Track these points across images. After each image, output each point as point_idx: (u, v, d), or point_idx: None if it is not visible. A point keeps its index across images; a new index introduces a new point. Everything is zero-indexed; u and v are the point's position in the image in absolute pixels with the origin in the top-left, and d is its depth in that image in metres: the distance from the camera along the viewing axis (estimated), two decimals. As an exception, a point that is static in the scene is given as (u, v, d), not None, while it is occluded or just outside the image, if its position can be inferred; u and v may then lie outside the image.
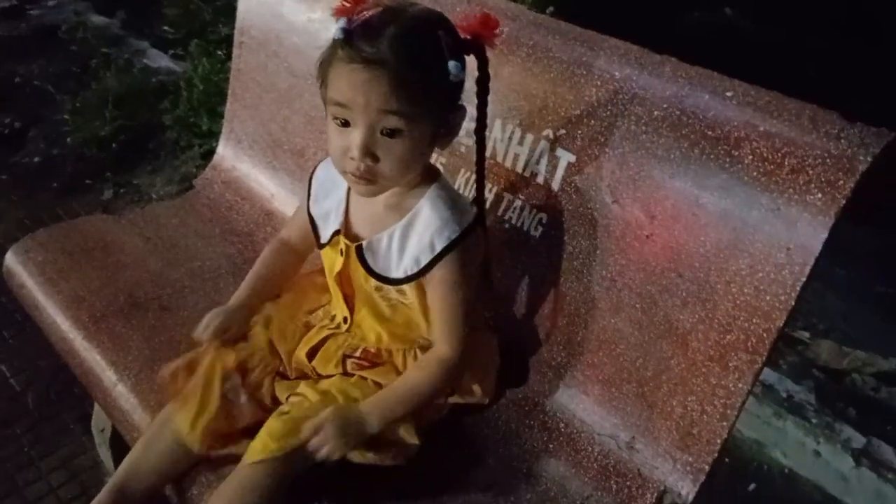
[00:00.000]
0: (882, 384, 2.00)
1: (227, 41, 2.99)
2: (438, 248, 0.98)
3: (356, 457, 0.98)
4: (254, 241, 1.56)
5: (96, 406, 1.52)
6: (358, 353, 1.07)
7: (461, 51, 0.94)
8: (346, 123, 0.91)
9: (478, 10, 0.98)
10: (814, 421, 1.71)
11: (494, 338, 1.17)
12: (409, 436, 1.01)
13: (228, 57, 2.88)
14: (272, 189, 1.61)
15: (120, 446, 1.50)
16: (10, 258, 1.45)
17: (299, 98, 1.55)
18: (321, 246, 1.11)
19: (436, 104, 0.93)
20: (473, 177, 1.12)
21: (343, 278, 1.08)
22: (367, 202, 1.04)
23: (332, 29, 0.91)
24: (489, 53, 0.99)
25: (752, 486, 1.68)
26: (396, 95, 0.87)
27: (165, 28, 3.48)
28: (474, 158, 1.10)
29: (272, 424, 0.97)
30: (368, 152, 0.90)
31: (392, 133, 0.90)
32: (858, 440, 1.65)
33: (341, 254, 1.06)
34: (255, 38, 1.63)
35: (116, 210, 2.34)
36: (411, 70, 0.87)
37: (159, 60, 3.24)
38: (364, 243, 1.03)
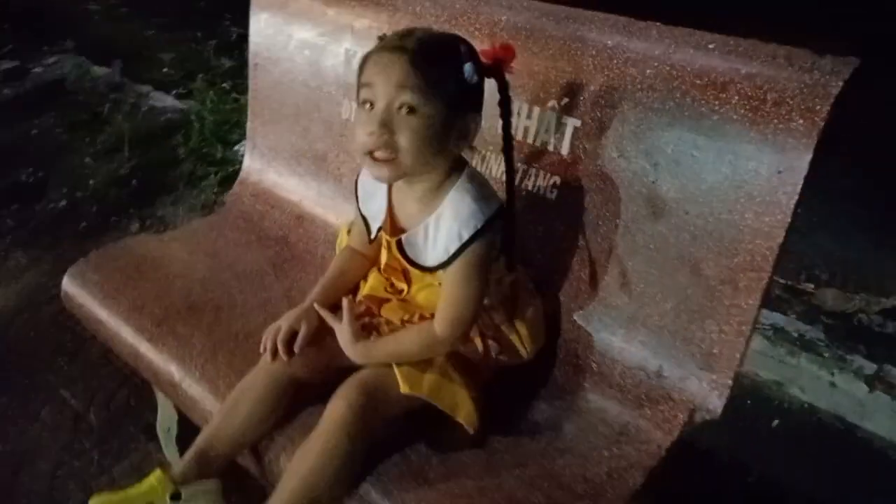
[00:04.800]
0: (888, 320, 2.12)
1: (230, 73, 3.16)
2: (465, 237, 1.07)
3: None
4: (289, 243, 1.69)
5: (160, 409, 1.63)
6: (416, 319, 1.19)
7: (479, 64, 1.05)
8: (371, 105, 1.03)
9: (499, 41, 1.11)
10: (826, 355, 1.82)
11: (539, 303, 1.26)
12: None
13: (233, 88, 3.05)
14: (300, 194, 1.73)
15: (186, 444, 1.60)
16: (67, 282, 1.57)
17: (316, 108, 1.68)
18: (371, 241, 1.23)
19: (448, 94, 1.03)
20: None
21: (392, 266, 1.21)
22: (405, 199, 1.16)
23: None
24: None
25: (775, 422, 1.79)
26: (412, 73, 1.00)
27: (165, 70, 3.65)
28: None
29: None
30: (385, 124, 1.01)
31: (409, 109, 1.01)
32: (870, 367, 1.76)
33: (387, 247, 1.19)
34: (268, 58, 1.76)
35: (145, 241, 2.46)
36: (427, 56, 1.01)
37: (164, 100, 3.39)
38: (403, 238, 1.15)
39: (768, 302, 2.11)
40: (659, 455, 1.16)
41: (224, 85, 2.94)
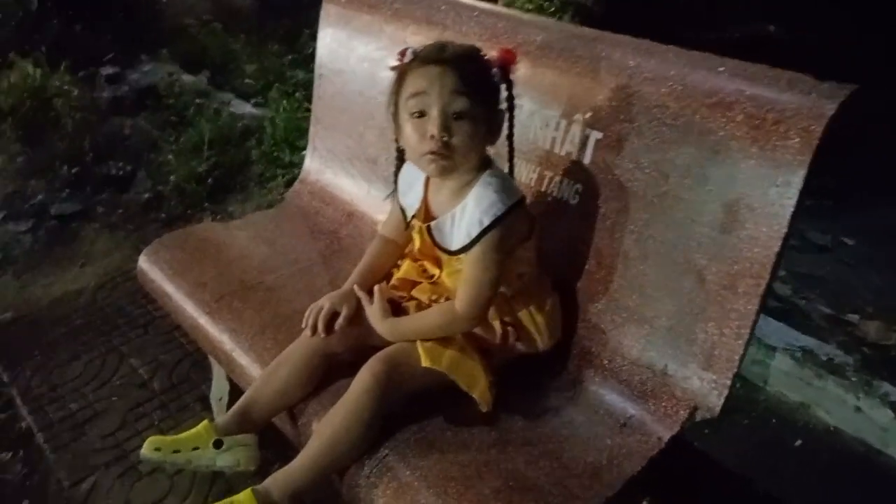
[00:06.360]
0: (927, 352, 2.10)
1: (302, 85, 3.39)
2: (486, 223, 1.20)
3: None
4: (338, 237, 1.84)
5: (214, 379, 1.81)
6: (442, 299, 1.31)
7: (500, 69, 1.23)
8: (422, 114, 1.17)
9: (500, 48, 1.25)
10: (853, 379, 1.83)
11: (557, 298, 1.37)
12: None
13: (305, 98, 3.27)
14: (352, 194, 1.89)
15: (235, 412, 1.77)
16: (143, 260, 1.76)
17: (371, 116, 1.83)
18: (407, 227, 1.37)
19: (487, 96, 1.20)
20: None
21: (424, 252, 1.34)
22: (439, 192, 1.29)
23: (392, 61, 1.24)
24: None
25: (798, 442, 1.81)
26: (462, 81, 1.15)
27: (246, 80, 3.92)
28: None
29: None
30: (445, 127, 1.16)
31: (460, 115, 1.16)
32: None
33: (420, 233, 1.32)
34: (331, 69, 1.94)
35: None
36: (470, 66, 1.18)
37: (243, 108, 3.65)
38: (433, 224, 1.28)
39: (811, 330, 2.14)
40: (659, 447, 1.23)
41: (297, 94, 3.16)
